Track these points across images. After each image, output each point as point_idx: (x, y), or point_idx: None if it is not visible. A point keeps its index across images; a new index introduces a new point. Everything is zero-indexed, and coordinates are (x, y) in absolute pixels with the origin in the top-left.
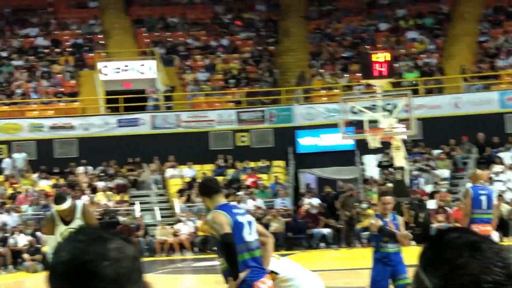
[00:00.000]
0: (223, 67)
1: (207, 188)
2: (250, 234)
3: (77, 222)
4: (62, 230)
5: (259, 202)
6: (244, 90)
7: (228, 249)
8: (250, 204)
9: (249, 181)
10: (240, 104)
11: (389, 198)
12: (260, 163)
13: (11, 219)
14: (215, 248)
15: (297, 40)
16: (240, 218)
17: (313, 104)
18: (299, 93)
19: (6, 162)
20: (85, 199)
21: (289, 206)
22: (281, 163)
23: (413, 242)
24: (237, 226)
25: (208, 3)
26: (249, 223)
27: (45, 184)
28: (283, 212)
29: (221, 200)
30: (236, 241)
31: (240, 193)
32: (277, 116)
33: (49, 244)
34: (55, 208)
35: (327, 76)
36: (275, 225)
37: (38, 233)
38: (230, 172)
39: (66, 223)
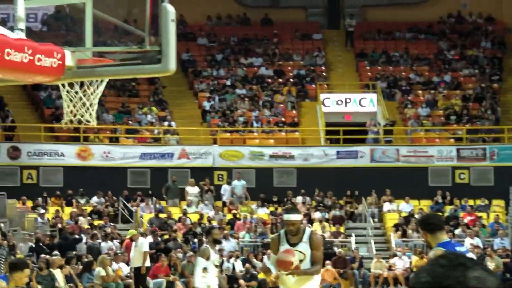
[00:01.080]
0: (445, 103)
1: (430, 225)
2: None
3: (302, 246)
4: None
5: (477, 241)
6: (465, 127)
7: None
8: (467, 242)
9: (467, 219)
10: (460, 141)
11: None
12: (479, 201)
13: (228, 244)
14: None
15: None
16: None
17: None
18: None
19: (225, 188)
20: None
21: (508, 247)
22: (501, 202)
23: None
24: None
25: (432, 39)
26: None
27: (263, 212)
28: (501, 253)
29: (444, 237)
30: None
31: (457, 231)
32: (499, 155)
33: (271, 262)
34: (284, 218)
35: None
36: (492, 265)
37: (254, 260)
38: (448, 209)
39: (292, 245)
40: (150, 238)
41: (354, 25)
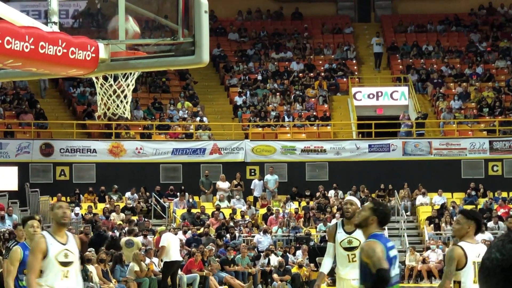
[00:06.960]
0: (477, 95)
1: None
2: None
3: (358, 233)
4: (342, 238)
5: None
6: (498, 119)
7: None
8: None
9: (500, 211)
10: (493, 133)
11: None
12: None
13: (266, 240)
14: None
15: None
16: None
17: None
18: None
19: (256, 183)
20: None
21: None
22: None
23: None
24: None
25: (464, 31)
26: None
27: (295, 206)
28: None
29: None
30: None
31: (490, 223)
32: None
33: (328, 252)
34: (345, 199)
35: None
36: None
37: (288, 255)
38: (482, 201)
39: (348, 233)
40: (180, 234)
41: (381, 44)
